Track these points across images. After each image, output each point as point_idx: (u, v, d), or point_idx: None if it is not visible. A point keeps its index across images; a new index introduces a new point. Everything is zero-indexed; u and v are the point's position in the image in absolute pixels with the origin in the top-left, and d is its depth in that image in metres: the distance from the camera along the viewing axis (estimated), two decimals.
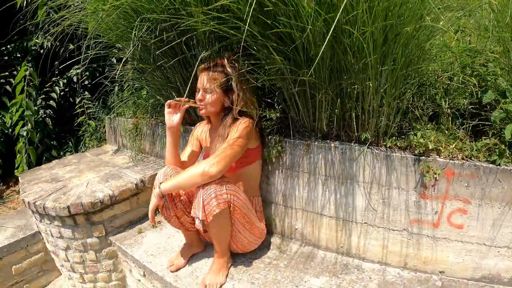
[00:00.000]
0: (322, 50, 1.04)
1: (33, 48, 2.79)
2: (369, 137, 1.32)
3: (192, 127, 1.93)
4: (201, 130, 1.58)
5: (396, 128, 1.33)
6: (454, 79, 1.31)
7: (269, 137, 1.51)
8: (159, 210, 1.43)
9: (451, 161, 1.19)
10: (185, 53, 1.61)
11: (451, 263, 1.28)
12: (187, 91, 1.39)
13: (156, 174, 1.89)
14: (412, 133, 1.29)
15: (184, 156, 1.54)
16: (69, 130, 3.17)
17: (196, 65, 1.38)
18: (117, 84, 2.58)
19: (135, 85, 2.39)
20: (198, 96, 1.38)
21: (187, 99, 1.40)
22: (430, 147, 1.22)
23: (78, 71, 2.82)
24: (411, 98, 1.35)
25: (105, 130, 2.78)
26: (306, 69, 1.24)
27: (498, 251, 1.20)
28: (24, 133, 2.71)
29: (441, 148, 1.23)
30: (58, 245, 1.80)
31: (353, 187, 1.39)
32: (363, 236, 1.42)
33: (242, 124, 1.34)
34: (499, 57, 1.29)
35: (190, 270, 1.47)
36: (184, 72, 1.73)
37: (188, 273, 1.45)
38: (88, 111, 2.84)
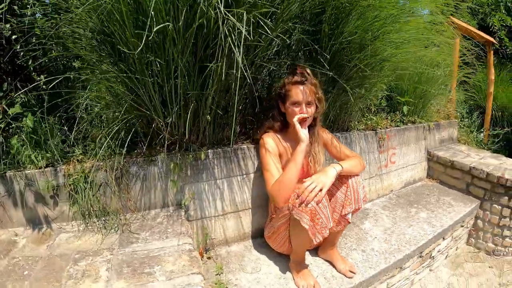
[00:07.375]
0: None
1: None
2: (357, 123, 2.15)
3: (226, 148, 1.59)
4: (275, 144, 1.47)
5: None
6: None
7: None
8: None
9: (387, 129, 2.27)
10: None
11: (394, 184, 2.38)
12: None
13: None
14: (366, 119, 2.25)
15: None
16: None
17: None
18: None
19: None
20: (303, 109, 1.37)
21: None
22: (378, 124, 2.24)
23: None
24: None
25: None
26: None
27: (407, 168, 2.42)
28: None
29: (381, 124, 2.28)
30: None
31: None
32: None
33: (328, 132, 1.64)
34: None
35: (323, 282, 1.46)
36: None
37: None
38: None
